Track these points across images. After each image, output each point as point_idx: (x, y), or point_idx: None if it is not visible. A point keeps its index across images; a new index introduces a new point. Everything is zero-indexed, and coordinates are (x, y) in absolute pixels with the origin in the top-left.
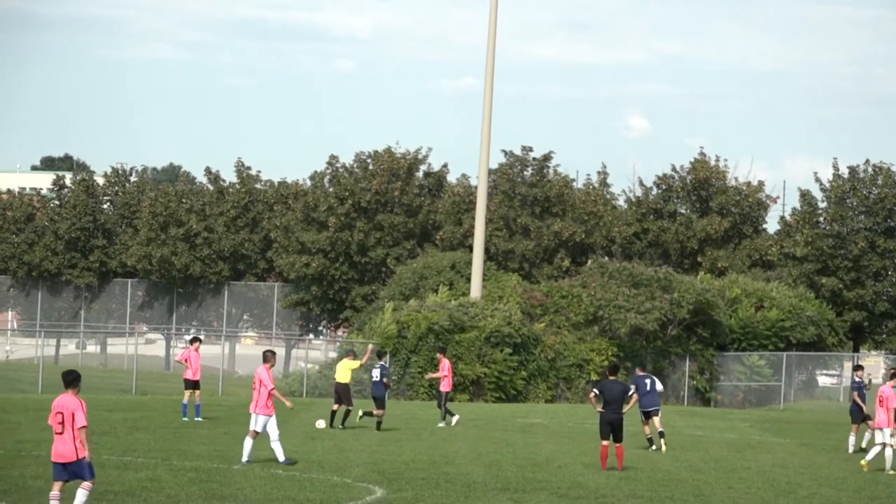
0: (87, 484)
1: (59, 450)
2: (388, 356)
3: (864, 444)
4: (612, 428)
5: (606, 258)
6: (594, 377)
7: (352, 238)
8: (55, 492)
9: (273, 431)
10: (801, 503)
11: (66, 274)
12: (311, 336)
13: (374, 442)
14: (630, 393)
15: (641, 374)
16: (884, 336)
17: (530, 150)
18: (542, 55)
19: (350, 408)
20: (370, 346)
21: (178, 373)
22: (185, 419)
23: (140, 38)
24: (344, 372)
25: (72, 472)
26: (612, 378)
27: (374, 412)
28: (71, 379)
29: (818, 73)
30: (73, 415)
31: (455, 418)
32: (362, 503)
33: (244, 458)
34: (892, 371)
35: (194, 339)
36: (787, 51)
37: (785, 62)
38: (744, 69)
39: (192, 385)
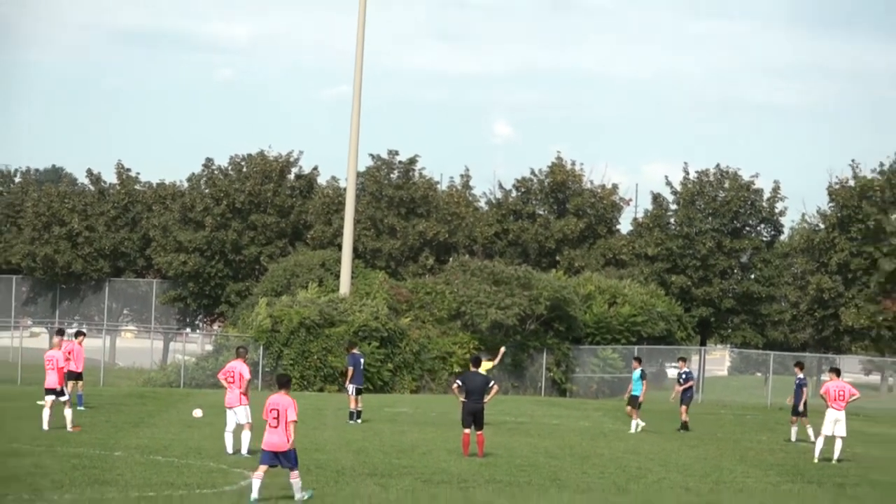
0: (295, 472)
1: (272, 440)
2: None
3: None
4: (473, 417)
5: (468, 257)
6: (457, 369)
7: (227, 237)
8: (260, 473)
9: (232, 422)
10: (651, 487)
11: None
12: (189, 330)
13: None
14: (491, 384)
15: (356, 353)
16: (729, 331)
17: (396, 153)
18: (412, 63)
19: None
20: (502, 349)
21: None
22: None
23: (24, 42)
24: None
25: (281, 459)
26: (473, 370)
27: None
28: (284, 381)
29: (674, 84)
30: (286, 411)
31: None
32: (237, 488)
33: (244, 451)
34: (835, 369)
35: (78, 333)
36: (646, 61)
37: (643, 72)
38: (604, 78)
39: (76, 376)
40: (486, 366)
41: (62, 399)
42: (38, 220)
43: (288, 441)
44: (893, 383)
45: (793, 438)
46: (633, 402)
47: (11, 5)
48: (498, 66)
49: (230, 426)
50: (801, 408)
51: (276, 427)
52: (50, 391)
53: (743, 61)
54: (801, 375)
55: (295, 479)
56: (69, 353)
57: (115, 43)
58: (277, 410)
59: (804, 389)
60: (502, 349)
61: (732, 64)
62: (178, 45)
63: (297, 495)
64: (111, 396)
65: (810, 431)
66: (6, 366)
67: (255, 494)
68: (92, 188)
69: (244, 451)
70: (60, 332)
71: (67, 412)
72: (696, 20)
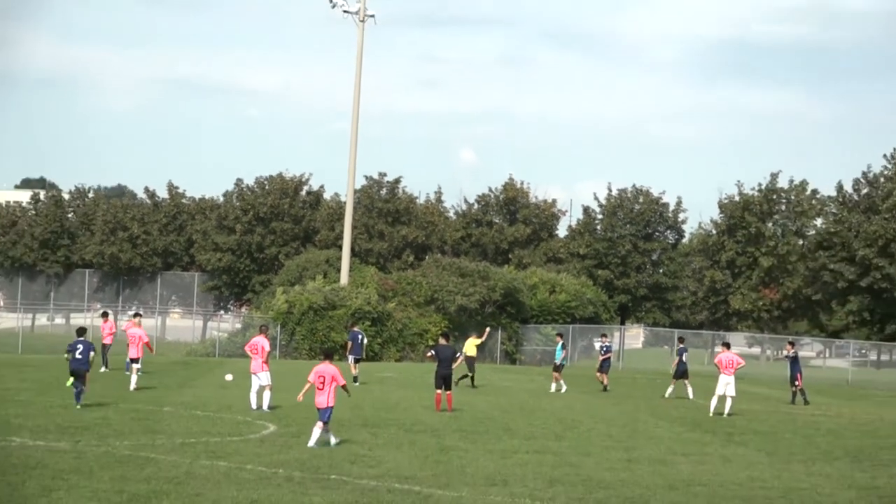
0: (320, 424)
1: (320, 400)
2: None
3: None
4: (444, 380)
5: (440, 255)
6: (431, 342)
7: (252, 240)
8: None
9: (256, 384)
10: (583, 435)
11: (39, 265)
12: (222, 312)
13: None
14: (457, 355)
15: (355, 330)
16: (643, 313)
17: (385, 175)
18: (397, 104)
19: (473, 374)
20: (487, 329)
21: (124, 339)
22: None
23: (99, 91)
24: (471, 347)
25: (320, 412)
26: (444, 343)
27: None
28: (329, 353)
29: (600, 121)
30: (333, 377)
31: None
32: (259, 436)
33: (265, 407)
34: (727, 343)
35: (136, 314)
36: (577, 104)
37: (576, 112)
38: (545, 117)
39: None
40: (475, 342)
41: (135, 366)
42: (106, 226)
43: (330, 401)
44: (770, 354)
45: (667, 394)
46: (556, 367)
47: (93, 63)
48: (464, 107)
49: (254, 388)
50: (680, 371)
51: (322, 389)
52: (134, 360)
53: (653, 105)
54: (681, 346)
55: (318, 428)
56: (111, 329)
57: (168, 89)
58: (324, 377)
59: (683, 356)
60: (488, 329)
61: (645, 105)
62: (216, 90)
63: (311, 442)
64: (161, 364)
65: (690, 390)
66: None
67: (312, 442)
68: (148, 201)
69: (265, 407)
70: (105, 315)
71: (133, 377)
72: (615, 73)
